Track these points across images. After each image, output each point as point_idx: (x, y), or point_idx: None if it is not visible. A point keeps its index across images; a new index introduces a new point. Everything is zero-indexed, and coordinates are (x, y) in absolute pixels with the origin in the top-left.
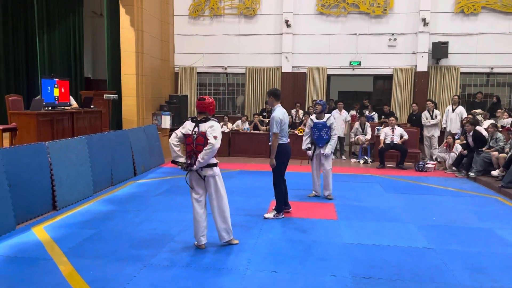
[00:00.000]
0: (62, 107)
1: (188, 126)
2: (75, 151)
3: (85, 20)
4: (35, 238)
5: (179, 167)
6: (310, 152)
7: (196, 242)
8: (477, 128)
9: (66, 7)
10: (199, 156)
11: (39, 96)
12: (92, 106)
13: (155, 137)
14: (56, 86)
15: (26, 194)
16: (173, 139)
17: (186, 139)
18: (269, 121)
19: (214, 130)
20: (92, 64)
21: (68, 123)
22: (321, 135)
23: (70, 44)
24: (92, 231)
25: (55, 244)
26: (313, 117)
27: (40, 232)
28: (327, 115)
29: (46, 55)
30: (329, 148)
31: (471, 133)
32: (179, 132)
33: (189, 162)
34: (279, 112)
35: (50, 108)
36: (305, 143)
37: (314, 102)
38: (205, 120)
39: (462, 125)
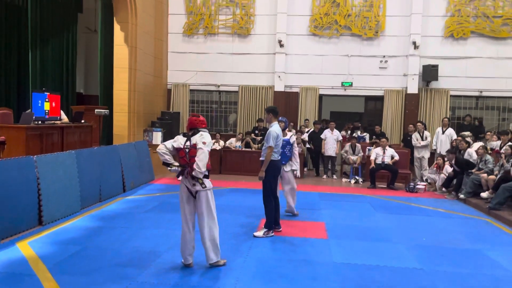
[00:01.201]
0: (52, 122)
1: (179, 140)
2: (64, 166)
3: (79, 35)
4: (19, 253)
5: (174, 167)
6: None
7: (183, 260)
8: (468, 150)
9: (61, 22)
10: (194, 166)
11: (29, 110)
12: (82, 121)
13: (145, 153)
14: (47, 100)
15: (12, 209)
16: (161, 148)
17: (178, 153)
18: (261, 138)
19: (203, 137)
20: (84, 79)
21: (57, 138)
22: (284, 152)
23: (63, 59)
24: (78, 247)
25: (40, 260)
26: None
27: (25, 247)
28: (289, 133)
29: (38, 69)
30: (295, 166)
31: (464, 152)
32: (169, 144)
33: (185, 169)
34: (276, 128)
35: (40, 122)
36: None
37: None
38: (195, 133)
39: (452, 147)
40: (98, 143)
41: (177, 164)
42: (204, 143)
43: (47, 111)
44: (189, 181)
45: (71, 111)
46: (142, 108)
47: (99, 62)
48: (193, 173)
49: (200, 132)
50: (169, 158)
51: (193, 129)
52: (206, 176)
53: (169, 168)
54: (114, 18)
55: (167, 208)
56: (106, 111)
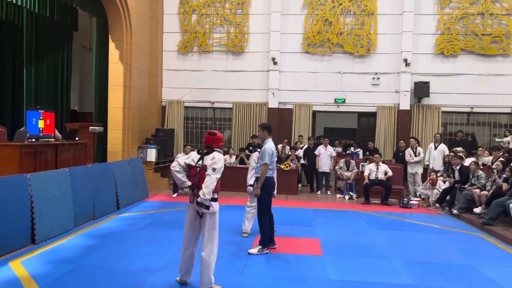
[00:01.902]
0: (46, 139)
1: (193, 157)
2: (57, 184)
3: (74, 53)
4: (11, 273)
5: (188, 189)
6: (251, 188)
7: (179, 278)
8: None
9: (56, 40)
10: (199, 193)
11: (23, 128)
12: (77, 139)
13: (140, 171)
14: (41, 118)
15: (5, 227)
16: (176, 167)
17: (190, 171)
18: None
19: (214, 162)
20: (79, 96)
21: (51, 155)
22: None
23: (58, 77)
24: (71, 266)
25: (32, 280)
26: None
27: (17, 267)
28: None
29: (33, 86)
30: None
31: (458, 167)
32: (182, 161)
33: (194, 191)
34: (271, 145)
35: (34, 140)
36: (252, 179)
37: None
38: (208, 153)
39: (445, 163)
40: (92, 160)
41: (189, 184)
42: (214, 169)
43: (41, 129)
44: (194, 197)
45: (65, 129)
46: (137, 125)
47: (94, 79)
48: (198, 199)
49: (213, 154)
50: (182, 176)
51: (208, 147)
52: (214, 199)
53: (180, 189)
54: (109, 36)
55: (161, 226)
56: (101, 129)
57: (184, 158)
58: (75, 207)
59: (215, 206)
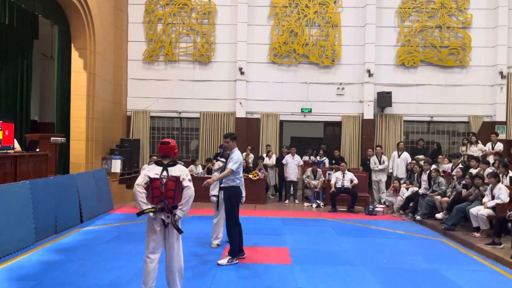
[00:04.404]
0: (5, 151)
1: (155, 170)
2: (17, 197)
3: (35, 62)
4: None
5: (150, 214)
6: (214, 198)
7: None
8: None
9: (15, 48)
10: (181, 208)
11: None
12: (37, 150)
13: (104, 182)
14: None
15: None
16: (141, 185)
17: (152, 183)
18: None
19: (187, 174)
20: (39, 106)
21: (10, 168)
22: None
23: (17, 86)
24: (33, 282)
25: None
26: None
27: None
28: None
29: None
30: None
31: (427, 172)
32: (145, 176)
33: (159, 207)
34: (239, 154)
35: None
36: (215, 189)
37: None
38: (173, 164)
39: (407, 170)
40: (54, 172)
41: (152, 208)
42: (190, 180)
43: None
44: (164, 214)
45: (25, 140)
46: (101, 135)
47: (56, 89)
48: (178, 213)
49: (181, 167)
50: (143, 197)
51: (166, 157)
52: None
53: (145, 213)
54: (72, 44)
55: (126, 239)
56: (63, 139)
57: (143, 174)
58: (36, 221)
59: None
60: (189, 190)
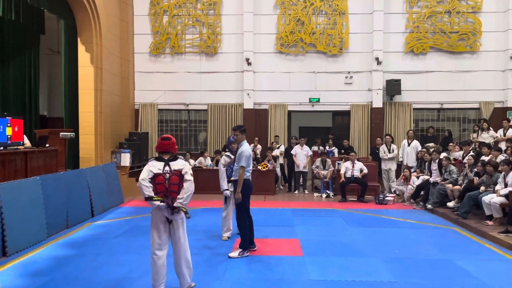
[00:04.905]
0: (15, 147)
1: (157, 166)
2: (28, 193)
3: (42, 57)
4: None
5: (157, 202)
6: (228, 192)
7: None
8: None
9: (22, 44)
10: (180, 201)
11: None
12: (47, 145)
13: (114, 176)
14: (9, 125)
15: None
16: (145, 180)
17: (156, 179)
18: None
19: (189, 168)
20: (48, 101)
21: (21, 163)
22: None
23: (25, 82)
24: (46, 278)
25: None
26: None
27: None
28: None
29: None
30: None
31: (437, 161)
32: (149, 171)
33: (167, 201)
34: (248, 147)
35: (1, 148)
36: (225, 181)
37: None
38: (174, 159)
39: (418, 158)
40: (64, 167)
41: (160, 198)
42: (191, 174)
43: (9, 136)
44: (167, 211)
45: (34, 135)
46: (110, 129)
47: (63, 83)
48: (176, 204)
49: (182, 161)
50: (150, 191)
51: (165, 153)
52: None
53: (153, 203)
54: (78, 39)
55: (138, 232)
56: (72, 134)
57: (146, 171)
58: (47, 216)
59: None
60: (191, 185)
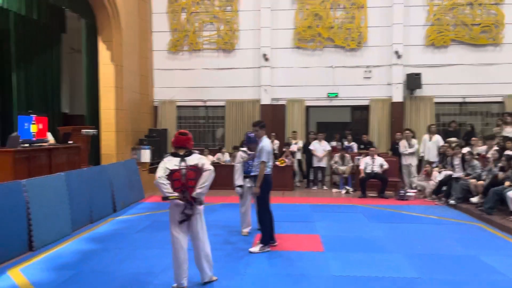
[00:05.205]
0: (40, 144)
1: (173, 161)
2: (53, 189)
3: (63, 56)
4: (11, 281)
5: (176, 200)
6: (240, 189)
7: (175, 285)
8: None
9: (44, 43)
10: (199, 190)
11: (15, 133)
12: (70, 142)
13: (135, 172)
14: (33, 122)
15: (1, 235)
16: (162, 177)
17: (172, 175)
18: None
19: (206, 161)
20: (69, 99)
21: (45, 160)
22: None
23: (48, 80)
24: (72, 272)
25: None
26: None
27: (17, 275)
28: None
29: (23, 91)
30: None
31: (459, 156)
32: (165, 168)
33: (183, 196)
34: (269, 142)
35: (27, 145)
36: (240, 179)
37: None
38: (189, 154)
39: (440, 154)
40: (87, 163)
41: (176, 194)
42: (210, 164)
43: (34, 134)
44: (186, 206)
45: (57, 132)
46: (130, 126)
47: (85, 81)
48: (194, 194)
49: (197, 155)
50: (168, 188)
51: (181, 148)
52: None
53: (170, 201)
54: (99, 37)
55: (159, 227)
56: (94, 131)
57: (162, 167)
58: (72, 211)
59: (201, 207)
60: (210, 174)
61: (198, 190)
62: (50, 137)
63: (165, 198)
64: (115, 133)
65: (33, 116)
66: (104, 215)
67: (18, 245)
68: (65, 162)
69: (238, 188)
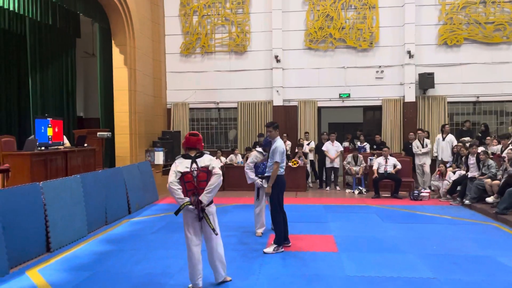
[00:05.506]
0: (56, 147)
1: (184, 164)
2: (70, 191)
3: (78, 60)
4: (30, 282)
5: (190, 206)
6: (259, 182)
7: (191, 285)
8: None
9: (59, 47)
10: (206, 194)
11: (33, 136)
12: (85, 145)
13: (149, 174)
14: (49, 125)
15: (20, 236)
16: (174, 182)
17: (184, 177)
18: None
19: (216, 163)
20: (84, 103)
21: (61, 163)
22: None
23: (63, 84)
24: (88, 272)
25: None
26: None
27: (35, 275)
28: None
29: (38, 95)
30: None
31: (474, 155)
32: (176, 171)
33: (194, 198)
34: (282, 143)
35: (43, 148)
36: (253, 174)
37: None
38: (200, 155)
39: (453, 153)
40: (102, 166)
41: (188, 200)
42: (220, 168)
43: (50, 137)
44: (197, 211)
45: (73, 135)
46: (143, 128)
47: (99, 85)
48: (203, 198)
49: (208, 156)
50: (180, 194)
51: (192, 149)
52: (211, 202)
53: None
54: (113, 41)
55: (174, 228)
56: (109, 134)
57: (174, 170)
58: (87, 213)
59: (213, 206)
60: (218, 178)
61: (204, 198)
62: (65, 140)
63: (178, 211)
64: (129, 136)
65: (49, 119)
66: (119, 216)
67: (36, 246)
68: (81, 164)
69: (258, 181)
